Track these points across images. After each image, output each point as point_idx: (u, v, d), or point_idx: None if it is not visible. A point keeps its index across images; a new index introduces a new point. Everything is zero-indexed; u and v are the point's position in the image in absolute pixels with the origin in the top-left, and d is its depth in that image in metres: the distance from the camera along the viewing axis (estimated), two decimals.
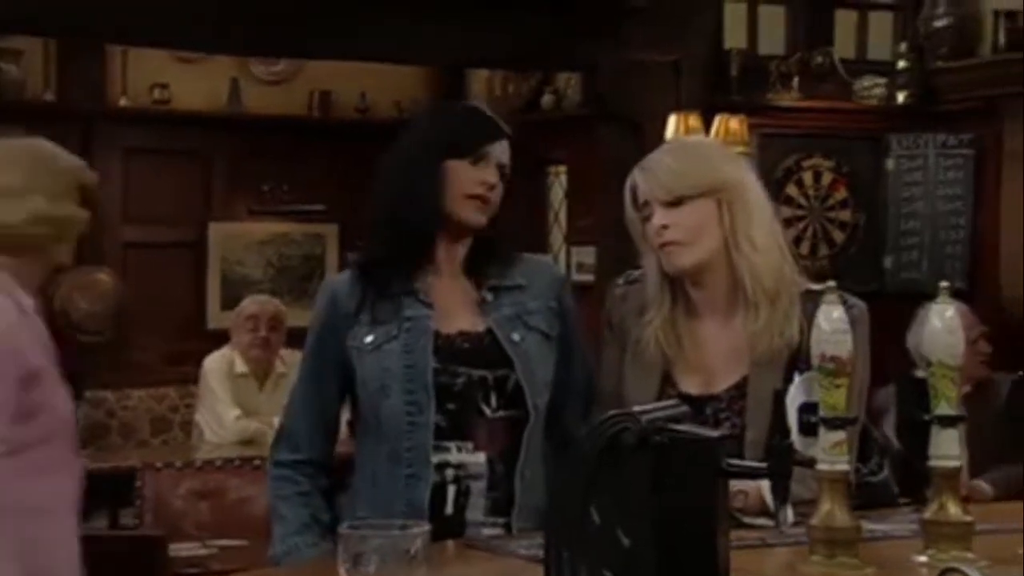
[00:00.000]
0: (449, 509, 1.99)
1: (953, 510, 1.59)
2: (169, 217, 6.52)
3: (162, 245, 6.51)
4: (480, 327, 2.04)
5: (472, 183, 2.02)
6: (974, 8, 5.50)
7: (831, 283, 1.60)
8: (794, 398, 1.64)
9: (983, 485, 3.64)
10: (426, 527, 1.33)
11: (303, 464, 2.09)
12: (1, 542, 2.00)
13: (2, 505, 2.01)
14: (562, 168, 6.45)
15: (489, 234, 2.07)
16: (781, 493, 1.56)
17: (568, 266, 6.02)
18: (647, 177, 2.03)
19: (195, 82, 6.63)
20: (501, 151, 2.06)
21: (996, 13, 5.39)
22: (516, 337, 2.03)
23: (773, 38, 5.81)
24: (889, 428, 3.63)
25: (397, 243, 2.05)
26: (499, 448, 2.01)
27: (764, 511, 1.86)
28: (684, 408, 1.53)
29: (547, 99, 6.48)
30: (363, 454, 2.08)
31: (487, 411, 2.01)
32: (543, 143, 6.08)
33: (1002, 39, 5.34)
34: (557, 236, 6.44)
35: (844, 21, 5.92)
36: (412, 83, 6.88)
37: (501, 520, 2.01)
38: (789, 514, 1.70)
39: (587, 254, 5.86)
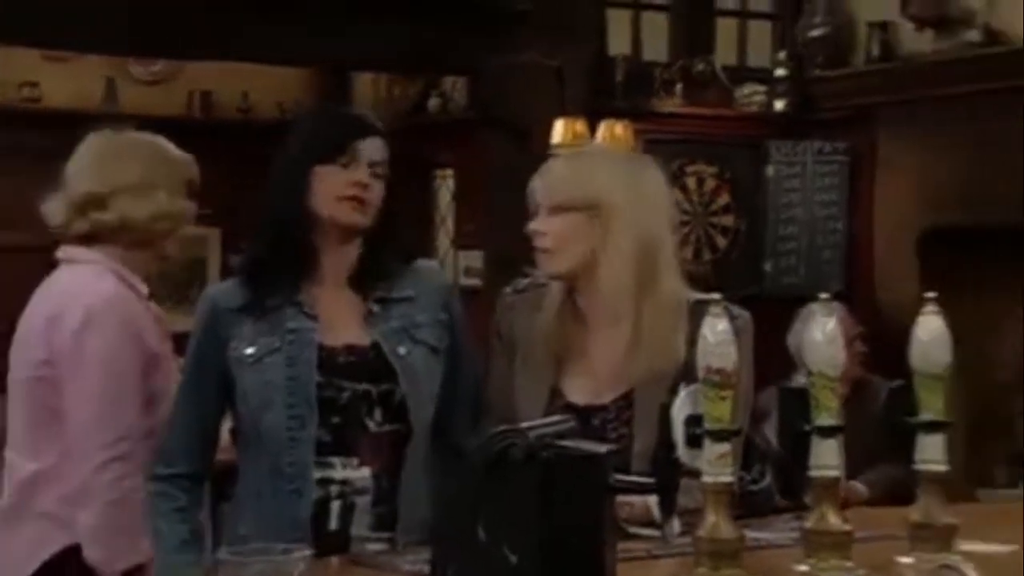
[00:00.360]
0: (334, 524, 1.96)
1: (833, 520, 1.61)
2: (40, 220, 6.29)
3: (32, 249, 6.29)
4: (366, 340, 2.01)
5: (343, 185, 1.99)
6: (848, 19, 5.65)
7: (716, 295, 1.61)
8: (680, 410, 1.65)
9: (858, 486, 3.73)
10: (307, 551, 1.30)
11: (180, 478, 2.04)
12: (139, 521, 2.06)
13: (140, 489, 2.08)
14: (449, 172, 6.43)
15: (378, 239, 2.03)
16: (668, 506, 1.57)
17: (455, 270, 6.01)
18: (540, 181, 2.06)
19: (67, 81, 6.44)
20: (372, 149, 2.02)
21: (870, 24, 5.54)
22: (402, 351, 2.00)
23: (656, 45, 5.88)
24: (770, 430, 3.69)
25: (279, 249, 2.02)
26: (384, 463, 1.99)
27: (650, 521, 1.86)
28: (572, 423, 1.53)
29: (433, 102, 6.45)
30: (245, 467, 2.04)
31: (371, 426, 1.98)
32: (430, 146, 6.06)
33: (875, 49, 5.49)
34: (444, 240, 6.42)
35: (725, 29, 6.02)
36: (295, 84, 6.79)
37: (386, 535, 1.98)
38: (675, 525, 1.71)
39: (474, 258, 5.84)
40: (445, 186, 6.48)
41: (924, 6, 5.20)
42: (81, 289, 2.19)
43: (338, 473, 1.97)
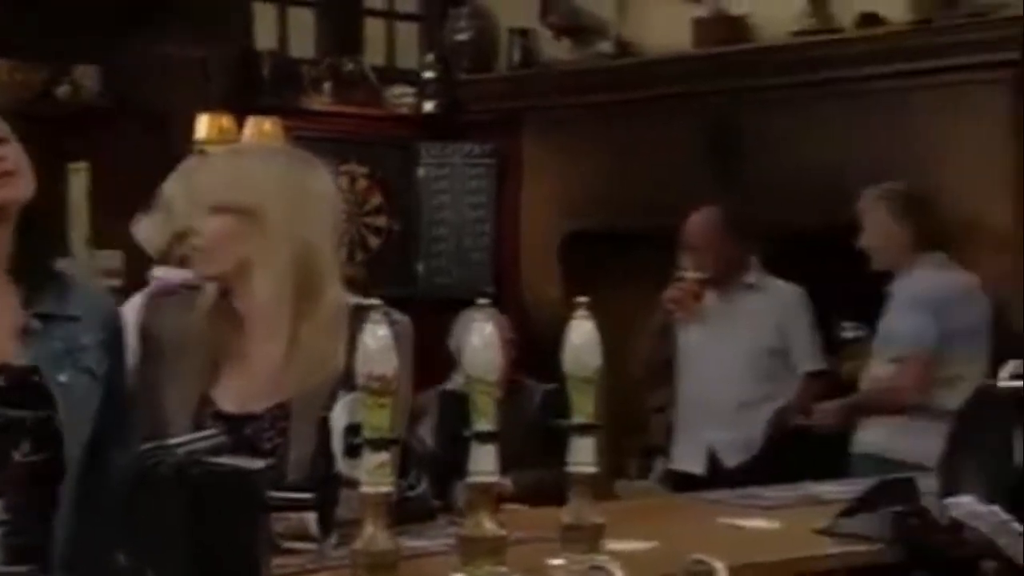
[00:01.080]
0: None
1: (488, 525, 1.62)
2: None
3: None
4: (23, 361, 1.80)
5: None
6: (491, 24, 5.79)
7: (377, 301, 1.58)
8: (339, 419, 1.60)
9: (504, 481, 3.83)
10: None
11: None
12: None
13: None
14: (83, 165, 6.05)
15: (26, 221, 1.83)
16: (326, 522, 1.52)
17: (92, 271, 5.67)
18: (199, 177, 1.97)
19: None
20: None
21: (511, 30, 5.70)
22: (63, 378, 1.81)
23: (303, 41, 5.79)
24: (426, 432, 3.72)
25: None
26: (26, 494, 1.80)
27: (306, 534, 1.81)
28: (224, 438, 1.45)
29: (64, 90, 6.04)
30: None
31: (17, 456, 1.79)
32: (60, 137, 5.66)
33: (517, 55, 5.66)
34: (78, 238, 6.04)
35: (373, 28, 6.01)
36: None
37: (24, 568, 1.80)
38: (333, 538, 1.66)
39: (113, 258, 5.54)
40: (79, 180, 6.10)
41: (560, 15, 5.42)
42: None
43: None
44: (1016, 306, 3.98)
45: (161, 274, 2.29)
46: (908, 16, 4.59)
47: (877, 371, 4.03)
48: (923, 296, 3.94)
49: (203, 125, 4.93)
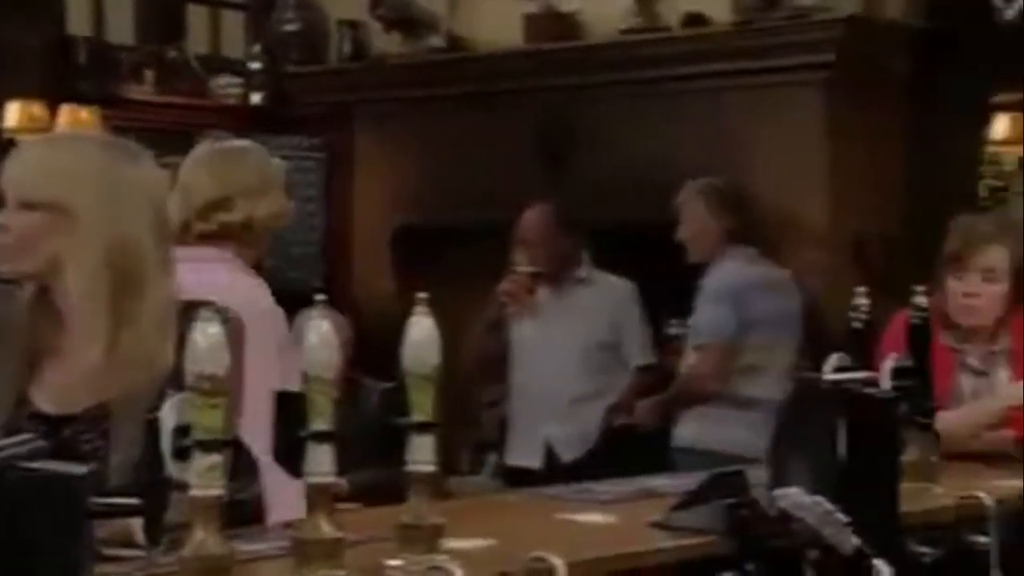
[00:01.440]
0: None
1: (326, 527, 1.58)
2: None
3: None
4: None
5: None
6: (320, 15, 5.70)
7: (210, 297, 1.52)
8: (167, 419, 1.54)
9: (339, 482, 3.75)
10: None
11: None
12: None
13: None
14: None
15: None
16: (153, 527, 1.46)
17: None
18: (9, 169, 1.87)
19: None
20: None
21: (340, 22, 5.63)
22: None
23: (121, 27, 5.58)
24: None
25: None
26: None
27: (131, 541, 1.73)
28: (43, 443, 1.37)
29: None
30: None
31: None
32: None
33: (347, 48, 5.59)
34: None
35: (196, 16, 5.85)
36: None
37: None
38: (160, 543, 1.59)
39: None
40: None
41: (390, 8, 5.38)
42: (247, 286, 2.37)
43: None
44: (830, 302, 4.14)
45: (189, 255, 2.26)
46: (731, 17, 4.71)
47: (688, 362, 4.14)
48: (724, 287, 4.05)
49: (12, 113, 4.71)
